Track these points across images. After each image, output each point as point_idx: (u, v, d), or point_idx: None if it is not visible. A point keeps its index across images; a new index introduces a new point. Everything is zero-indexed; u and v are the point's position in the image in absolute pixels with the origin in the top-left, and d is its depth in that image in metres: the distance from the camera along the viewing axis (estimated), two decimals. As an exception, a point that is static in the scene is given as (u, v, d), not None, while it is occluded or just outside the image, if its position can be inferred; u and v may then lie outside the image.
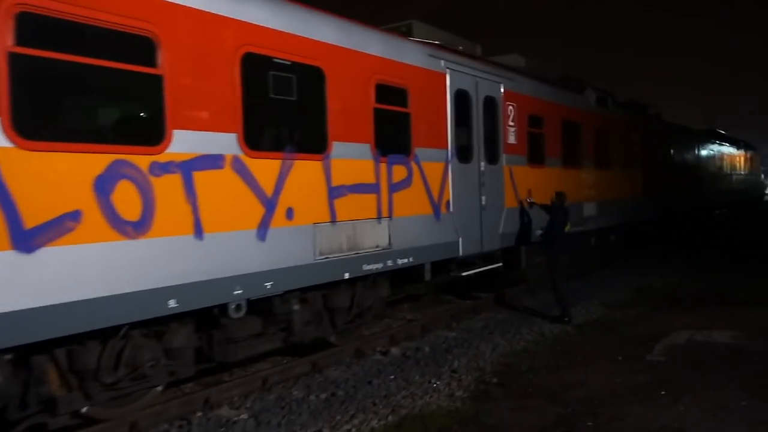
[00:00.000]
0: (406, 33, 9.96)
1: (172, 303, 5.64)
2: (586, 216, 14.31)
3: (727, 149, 32.12)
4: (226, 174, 6.17)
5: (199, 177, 5.90)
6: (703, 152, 27.29)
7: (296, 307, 7.27)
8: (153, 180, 5.51)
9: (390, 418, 6.52)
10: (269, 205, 6.60)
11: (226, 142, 6.17)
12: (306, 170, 7.07)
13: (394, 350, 9.02)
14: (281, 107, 7.01)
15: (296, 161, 6.93)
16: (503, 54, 13.81)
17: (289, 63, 6.88)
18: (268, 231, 6.58)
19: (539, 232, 11.76)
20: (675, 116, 33.28)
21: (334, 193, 7.45)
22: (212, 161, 6.03)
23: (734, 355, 8.02)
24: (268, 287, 6.58)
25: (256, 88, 6.63)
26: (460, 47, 11.07)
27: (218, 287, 6.05)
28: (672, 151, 21.93)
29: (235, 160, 6.25)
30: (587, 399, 6.74)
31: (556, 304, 11.02)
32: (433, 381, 7.69)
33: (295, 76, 6.96)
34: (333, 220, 7.42)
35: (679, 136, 23.43)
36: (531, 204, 11.76)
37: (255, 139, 6.50)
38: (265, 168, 6.58)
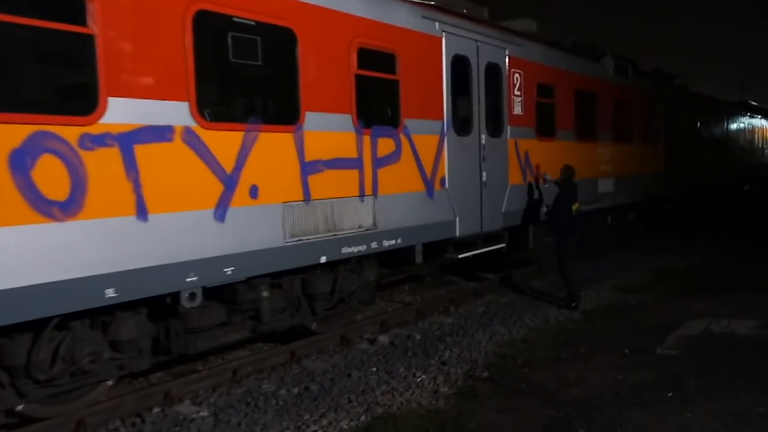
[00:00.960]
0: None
1: (110, 292, 5.03)
2: (602, 193, 13.42)
3: (760, 122, 30.59)
4: (176, 147, 5.50)
5: (142, 151, 5.24)
6: (734, 125, 25.96)
7: (265, 293, 6.63)
8: (84, 154, 4.87)
9: (363, 418, 5.90)
10: (229, 182, 5.93)
11: (176, 112, 5.50)
12: (274, 143, 6.37)
13: (382, 338, 8.37)
14: (243, 73, 6.31)
15: (262, 133, 6.23)
16: (514, 18, 12.85)
17: (252, 23, 6.14)
18: (227, 211, 5.92)
19: (544, 210, 10.98)
20: (705, 87, 31.73)
21: (309, 168, 6.75)
22: (158, 133, 5.36)
23: (755, 350, 7.20)
24: (228, 273, 5.95)
25: (213, 52, 5.94)
26: (464, 10, 10.19)
27: (167, 274, 5.43)
28: (699, 124, 20.74)
29: (187, 131, 5.58)
30: (584, 400, 6.02)
31: (564, 287, 10.29)
32: (418, 374, 7.04)
33: (260, 38, 6.22)
34: (307, 199, 6.73)
35: (707, 108, 22.18)
36: (546, 180, 10.92)
37: (211, 109, 5.82)
38: (224, 141, 5.90)
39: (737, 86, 64.27)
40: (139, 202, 5.21)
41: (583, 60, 12.95)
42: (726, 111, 25.10)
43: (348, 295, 7.83)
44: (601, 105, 13.39)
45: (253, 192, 6.16)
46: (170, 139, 5.45)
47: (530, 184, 10.87)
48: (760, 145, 30.74)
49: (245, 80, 6.42)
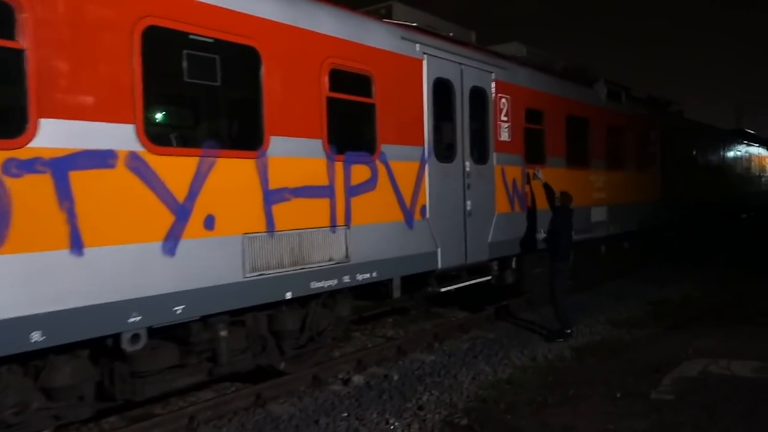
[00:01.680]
0: (385, 15, 8.75)
1: (35, 336, 4.50)
2: (595, 221, 12.93)
3: (757, 150, 30.26)
4: (119, 174, 5.02)
5: (79, 178, 4.75)
6: (731, 153, 25.61)
7: (223, 333, 6.09)
8: (8, 181, 4.38)
9: (324, 475, 5.33)
10: (181, 212, 5.43)
11: (120, 135, 5.02)
12: (233, 170, 5.89)
13: (357, 378, 7.79)
14: (200, 94, 5.87)
15: (220, 159, 5.75)
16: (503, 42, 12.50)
17: (211, 40, 5.71)
18: (178, 244, 5.41)
19: (542, 237, 10.55)
20: (701, 115, 31.49)
21: (273, 197, 6.26)
22: (98, 158, 4.88)
23: (756, 395, 6.64)
24: (178, 312, 5.42)
25: (165, 71, 5.50)
26: (450, 33, 9.83)
27: (104, 314, 4.90)
28: (695, 151, 20.36)
29: (132, 157, 5.10)
30: (570, 454, 5.46)
31: (555, 319, 9.85)
32: (391, 421, 6.47)
33: (219, 56, 5.78)
34: (270, 230, 6.23)
35: (704, 136, 21.82)
36: (536, 177, 10.54)
37: (161, 133, 5.39)
38: (176, 167, 5.41)
39: (733, 114, 64.29)
40: (74, 235, 4.71)
41: (575, 85, 12.57)
42: (723, 138, 24.76)
43: (318, 333, 7.27)
44: (594, 131, 12.97)
45: (209, 223, 5.66)
46: (112, 165, 4.97)
47: (518, 213, 10.37)
48: (757, 174, 30.37)
49: (202, 102, 5.97)
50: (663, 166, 16.87)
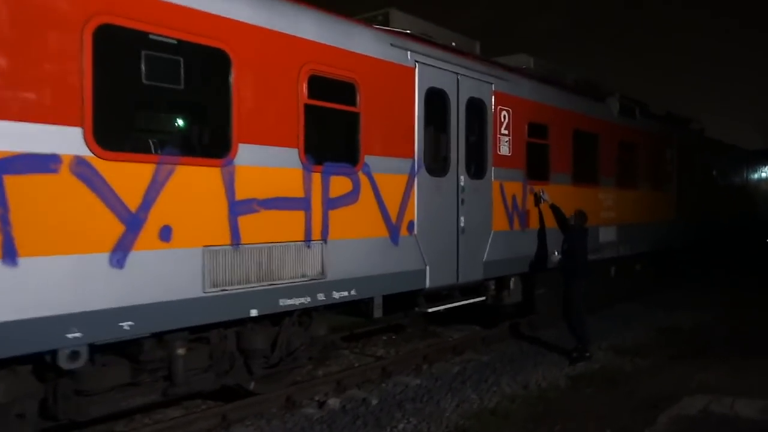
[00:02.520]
0: (382, 22, 8.41)
1: (-44, 352, 4.18)
2: (603, 242, 12.38)
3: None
4: (62, 180, 4.70)
5: (15, 183, 4.44)
6: (755, 173, 24.78)
7: (180, 351, 5.72)
8: (-68, 185, 4.08)
9: None
10: (132, 222, 5.09)
11: (65, 139, 4.71)
12: (195, 179, 5.55)
13: (333, 402, 7.36)
14: (160, 98, 5.54)
15: (179, 167, 5.41)
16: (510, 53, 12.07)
17: (174, 42, 5.39)
18: (128, 255, 5.07)
19: (556, 258, 10.21)
20: (726, 134, 30.57)
21: (239, 208, 5.90)
22: (38, 163, 4.56)
23: (760, 441, 6.10)
24: (126, 328, 5.07)
25: (120, 72, 5.19)
26: (453, 43, 9.45)
27: (38, 329, 4.57)
28: (715, 171, 19.64)
29: (78, 162, 4.78)
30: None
31: (576, 340, 9.53)
32: (359, 451, 6.05)
33: (183, 58, 5.46)
34: (236, 243, 5.87)
35: (726, 155, 21.08)
36: (542, 199, 10.29)
37: (112, 137, 5.02)
38: (128, 174, 5.08)
39: (760, 135, 62.70)
40: (7, 243, 4.39)
41: (584, 99, 12.08)
42: (746, 158, 23.96)
43: (288, 354, 6.88)
44: (604, 147, 12.45)
45: (165, 234, 5.31)
46: (55, 170, 4.65)
47: (518, 231, 9.90)
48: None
49: (161, 106, 5.65)
50: (679, 186, 16.24)
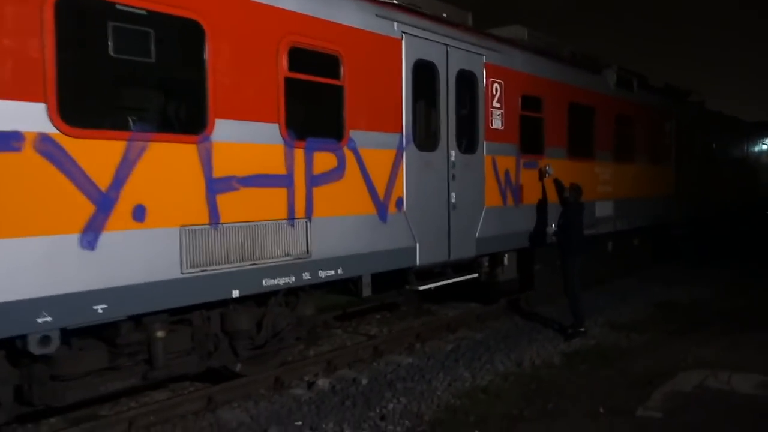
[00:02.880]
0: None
1: None
2: (600, 216, 12.18)
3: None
4: (26, 159, 4.50)
5: (-26, 162, 4.25)
6: (757, 147, 24.48)
7: (159, 333, 5.57)
8: None
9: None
10: (103, 202, 4.91)
11: (27, 115, 4.50)
12: (170, 156, 5.35)
13: (322, 382, 7.24)
14: (129, 71, 5.31)
15: (152, 143, 5.21)
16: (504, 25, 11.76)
17: (143, 12, 5.15)
18: (99, 236, 4.90)
19: (552, 231, 10.16)
20: (731, 107, 30.13)
21: (218, 186, 5.71)
22: (-1, 140, 4.37)
23: (754, 416, 5.95)
24: (99, 312, 4.91)
25: (86, 44, 4.97)
26: (444, 14, 9.16)
27: (7, 314, 4.40)
28: (716, 144, 19.36)
29: (43, 139, 4.58)
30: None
31: (571, 314, 9.49)
32: (346, 433, 5.93)
33: (153, 30, 5.22)
34: (215, 222, 5.69)
35: (727, 128, 20.77)
36: (547, 173, 10.29)
37: (79, 113, 4.81)
38: (97, 152, 4.88)
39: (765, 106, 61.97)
40: (-32, 226, 4.21)
41: (579, 71, 11.80)
42: (749, 131, 23.64)
43: (275, 335, 6.73)
44: (600, 121, 12.20)
45: (138, 213, 5.13)
46: (17, 149, 4.45)
47: (512, 207, 9.71)
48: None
49: (131, 80, 5.43)
50: (678, 159, 16.00)
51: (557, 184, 10.15)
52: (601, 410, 6.29)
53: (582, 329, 9.29)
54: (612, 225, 12.65)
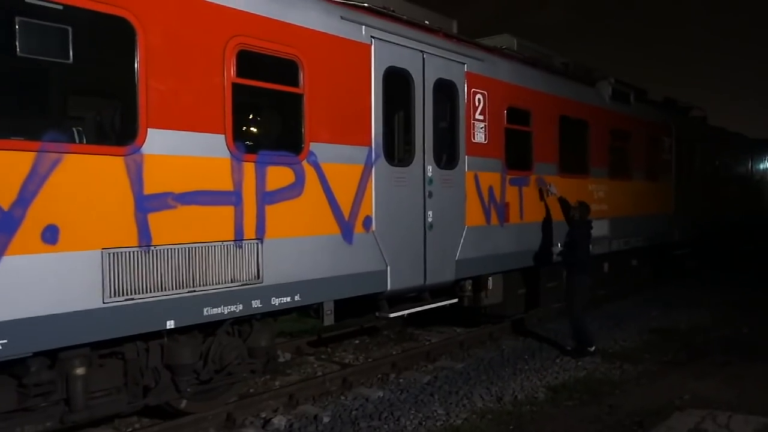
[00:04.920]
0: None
1: None
2: (595, 237, 11.43)
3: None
4: None
5: None
6: (761, 164, 23.80)
7: (78, 371, 4.92)
8: None
9: None
10: (5, 222, 4.28)
11: None
12: (90, 170, 4.72)
13: (278, 420, 6.55)
14: (40, 74, 4.69)
15: (68, 156, 4.59)
16: (493, 35, 11.20)
17: (59, 7, 4.56)
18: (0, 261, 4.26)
19: (558, 250, 9.94)
20: (736, 124, 29.45)
21: (150, 204, 5.08)
22: None
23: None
24: (-3, 348, 4.26)
25: (-13, 42, 4.35)
26: (426, 21, 8.59)
27: None
28: (718, 160, 18.69)
29: (-71, 150, 3.96)
30: None
31: (573, 337, 9.30)
32: (294, 483, 5.24)
33: (72, 27, 4.62)
34: (145, 244, 5.05)
35: (729, 143, 20.11)
36: (550, 192, 10.03)
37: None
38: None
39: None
40: None
41: (571, 83, 11.20)
42: (752, 148, 22.97)
43: (222, 368, 6.06)
44: (594, 135, 11.57)
45: (50, 235, 4.50)
46: None
47: (496, 227, 9.05)
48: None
49: (44, 83, 4.81)
50: (678, 176, 15.34)
51: (562, 202, 9.94)
52: (584, 458, 5.59)
53: (591, 349, 9.07)
54: (607, 245, 11.98)
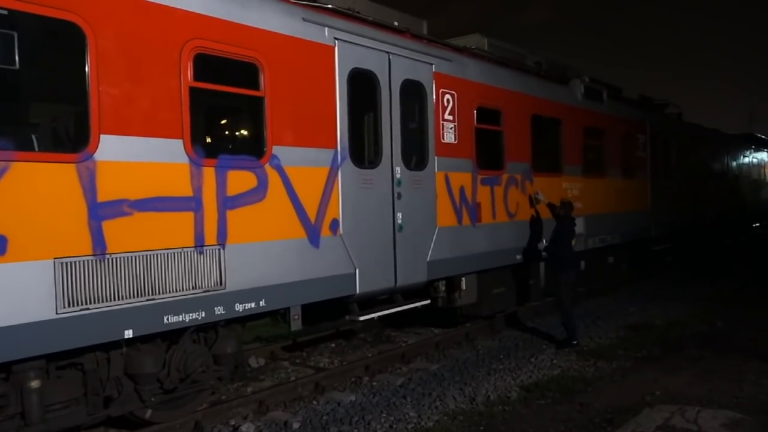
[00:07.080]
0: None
1: None
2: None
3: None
4: None
5: None
6: (738, 158, 24.02)
7: (33, 384, 4.82)
8: None
9: None
10: (-51, 232, 4.18)
11: None
12: (39, 177, 4.63)
13: (246, 427, 6.48)
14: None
15: (15, 164, 4.49)
16: (464, 35, 11.20)
17: (3, 12, 4.46)
18: (-55, 273, 4.16)
19: (543, 246, 10.36)
20: (711, 120, 29.76)
21: (104, 211, 4.98)
22: None
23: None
24: (-58, 362, 4.16)
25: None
26: (395, 22, 8.56)
27: None
28: (694, 156, 18.82)
29: None
30: None
31: (564, 328, 9.69)
32: (258, 491, 5.16)
33: (17, 32, 4.53)
34: (100, 252, 4.96)
35: (705, 140, 20.26)
36: (537, 200, 10.40)
37: None
38: (-60, 174, 4.16)
39: (746, 118, 62.01)
40: None
41: (543, 81, 11.21)
42: (729, 143, 23.17)
43: (186, 376, 5.97)
44: (567, 133, 11.59)
45: (-1, 245, 4.40)
46: None
47: (468, 227, 9.02)
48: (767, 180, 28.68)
49: (-12, 90, 4.71)
50: (654, 173, 15.42)
51: (551, 207, 10.19)
52: (552, 457, 5.57)
53: (574, 342, 9.44)
54: (583, 243, 11.98)
